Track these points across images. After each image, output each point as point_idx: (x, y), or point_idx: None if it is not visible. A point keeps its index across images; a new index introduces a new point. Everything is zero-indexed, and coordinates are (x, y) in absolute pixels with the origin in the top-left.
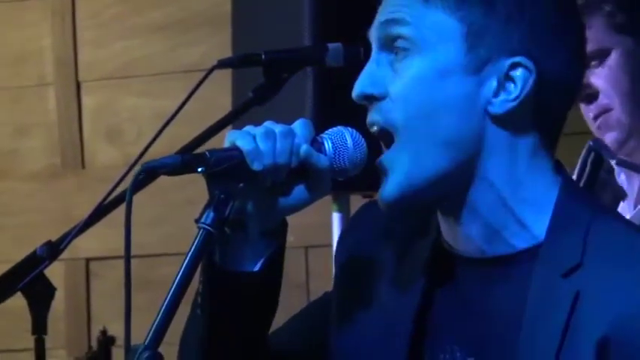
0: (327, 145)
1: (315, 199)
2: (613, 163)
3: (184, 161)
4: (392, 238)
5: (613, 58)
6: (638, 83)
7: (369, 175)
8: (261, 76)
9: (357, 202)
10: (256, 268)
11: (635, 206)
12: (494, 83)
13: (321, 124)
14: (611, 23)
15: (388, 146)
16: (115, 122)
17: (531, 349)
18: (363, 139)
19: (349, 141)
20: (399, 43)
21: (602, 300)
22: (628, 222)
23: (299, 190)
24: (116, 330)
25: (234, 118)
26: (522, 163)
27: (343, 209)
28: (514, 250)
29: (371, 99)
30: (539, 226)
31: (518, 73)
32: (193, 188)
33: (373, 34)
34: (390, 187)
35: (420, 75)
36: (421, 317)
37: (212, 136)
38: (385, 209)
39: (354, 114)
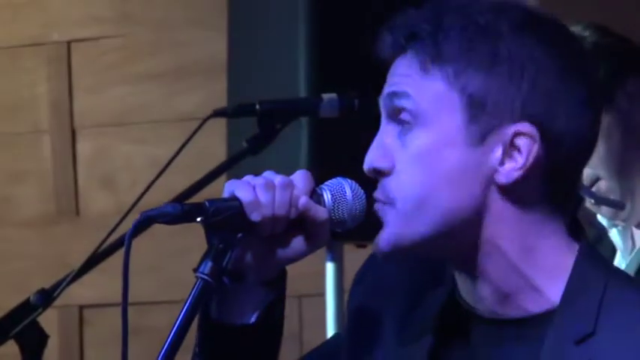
0: (326, 197)
1: (313, 250)
2: (591, 202)
3: (184, 210)
4: (404, 287)
5: None
6: (614, 148)
7: (363, 224)
8: (257, 125)
9: (350, 251)
10: (252, 320)
11: (630, 253)
12: (499, 152)
13: (315, 174)
14: None
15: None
16: (110, 170)
17: None
18: (362, 191)
19: (348, 193)
20: (403, 116)
21: None
22: None
23: (297, 241)
24: None
25: (228, 168)
26: (532, 231)
27: (337, 259)
28: (527, 313)
29: (380, 174)
30: (553, 290)
31: (522, 141)
32: (188, 236)
33: (381, 103)
34: (383, 240)
35: (422, 149)
36: None
37: (206, 185)
38: (380, 257)
39: (348, 164)
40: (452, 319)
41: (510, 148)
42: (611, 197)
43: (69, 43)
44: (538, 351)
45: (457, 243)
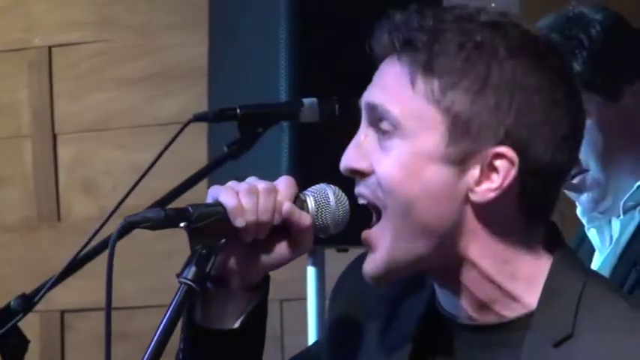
0: (310, 203)
1: (297, 255)
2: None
3: (167, 216)
4: (382, 296)
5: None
6: (611, 142)
7: (344, 229)
8: (238, 129)
9: (332, 256)
10: (236, 325)
11: (608, 246)
12: (476, 172)
13: (297, 179)
14: (580, 82)
15: (378, 217)
16: (91, 175)
17: None
18: (345, 197)
19: (332, 199)
20: (384, 125)
21: None
22: (620, 293)
23: (281, 247)
24: None
25: (209, 172)
26: (510, 246)
27: (318, 263)
28: (505, 319)
29: (357, 174)
30: (530, 296)
31: (500, 163)
32: (171, 241)
33: (362, 106)
34: (373, 265)
35: (401, 159)
36: None
37: (187, 190)
38: (369, 282)
39: (330, 168)
40: (431, 327)
41: (488, 169)
42: (595, 189)
43: (50, 48)
44: (518, 354)
45: (435, 257)
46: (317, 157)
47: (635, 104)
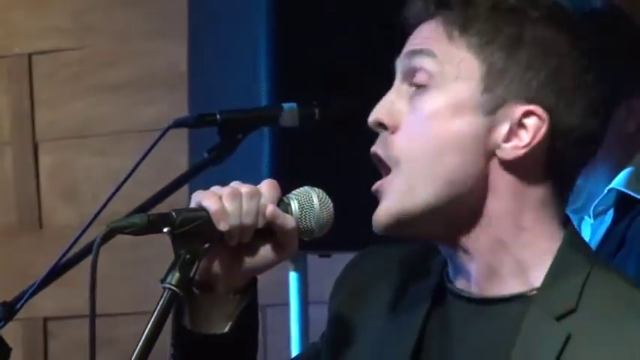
0: (294, 206)
1: (282, 259)
2: None
3: (151, 221)
4: (387, 282)
5: None
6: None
7: (326, 234)
8: (218, 135)
9: (314, 261)
10: (226, 330)
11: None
12: (505, 128)
13: (278, 183)
14: None
15: (386, 174)
16: (72, 182)
17: None
18: (329, 200)
19: (316, 201)
20: (419, 76)
21: (591, 345)
22: (627, 276)
23: (265, 250)
24: None
25: (190, 178)
26: (529, 212)
27: (300, 268)
28: (510, 292)
29: (382, 127)
30: (537, 273)
31: (530, 121)
32: (152, 247)
33: (398, 64)
34: (382, 212)
35: (433, 110)
36: (417, 353)
37: (168, 196)
38: (378, 232)
39: (310, 173)
40: (440, 306)
41: (518, 126)
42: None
43: (30, 55)
44: (518, 327)
45: (453, 215)
46: (298, 162)
47: (627, 119)
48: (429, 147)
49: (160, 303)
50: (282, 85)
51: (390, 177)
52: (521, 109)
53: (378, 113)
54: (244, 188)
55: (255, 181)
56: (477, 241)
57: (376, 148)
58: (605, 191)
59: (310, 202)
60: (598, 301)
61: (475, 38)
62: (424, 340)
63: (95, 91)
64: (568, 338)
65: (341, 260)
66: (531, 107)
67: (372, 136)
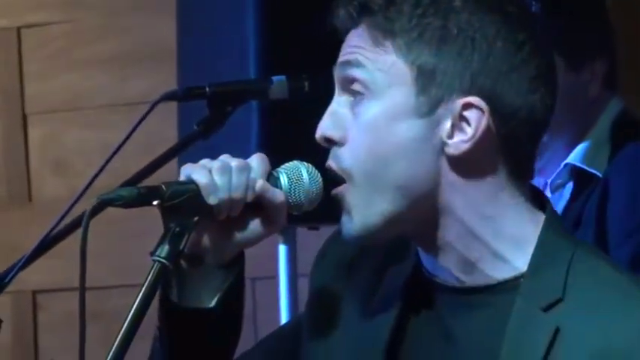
0: (283, 180)
1: (270, 232)
2: None
3: (140, 194)
4: (368, 262)
5: None
6: (557, 111)
7: (315, 207)
8: (207, 108)
9: (303, 234)
10: (212, 304)
11: None
12: (448, 124)
13: (266, 156)
14: (548, 39)
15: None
16: (62, 155)
17: None
18: (318, 174)
19: (305, 175)
20: (355, 86)
21: (580, 336)
22: (609, 260)
23: (254, 224)
24: None
25: (179, 151)
26: (488, 200)
27: (289, 241)
28: (494, 280)
29: (331, 142)
30: (519, 259)
31: (471, 113)
32: (141, 220)
33: (335, 74)
34: (349, 227)
35: (371, 120)
36: (393, 347)
37: (157, 169)
38: (350, 243)
39: (299, 146)
40: (417, 292)
41: (460, 120)
42: None
43: (19, 29)
44: (505, 318)
45: (417, 216)
46: (286, 135)
47: (590, 82)
48: (374, 158)
49: (150, 276)
50: (271, 59)
51: (346, 187)
52: (458, 102)
53: (323, 129)
54: (234, 162)
55: (244, 155)
56: (447, 236)
57: (330, 162)
58: (562, 166)
59: (299, 176)
60: (583, 289)
61: (400, 39)
62: (403, 333)
63: (84, 65)
64: (557, 331)
65: (329, 233)
66: (468, 99)
67: None
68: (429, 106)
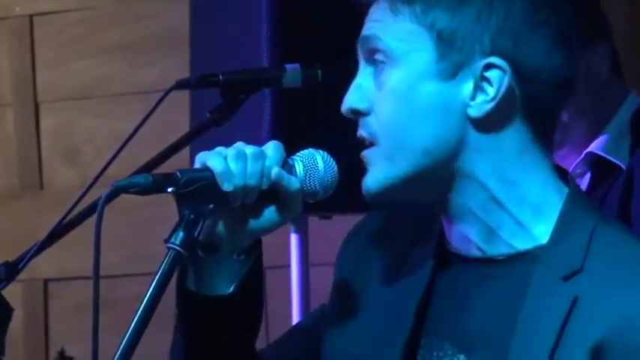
0: (298, 168)
1: (285, 221)
2: None
3: (155, 181)
4: (393, 242)
5: None
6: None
7: (328, 196)
8: (220, 96)
9: (314, 223)
10: (229, 290)
11: None
12: (470, 86)
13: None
14: None
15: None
16: (74, 143)
17: (524, 350)
18: (333, 162)
19: (320, 163)
20: (377, 56)
21: (599, 306)
22: (631, 233)
23: (269, 212)
24: (74, 351)
25: (191, 139)
26: (512, 163)
27: (301, 230)
28: (514, 250)
29: (358, 114)
30: (540, 228)
31: (492, 73)
32: (153, 209)
33: (359, 48)
34: (370, 181)
35: (395, 87)
36: (421, 312)
37: (170, 157)
38: (368, 200)
39: (311, 134)
40: (442, 267)
41: (481, 81)
42: None
43: (31, 16)
44: (525, 287)
45: (439, 180)
46: (299, 123)
47: (599, 63)
48: (399, 123)
49: (164, 263)
50: (284, 47)
51: (373, 149)
52: (480, 63)
53: (349, 102)
54: (249, 149)
55: (257, 142)
56: (469, 202)
57: (360, 131)
58: (583, 154)
59: (315, 164)
60: (604, 260)
61: (418, 6)
62: (430, 301)
63: (97, 53)
64: (575, 300)
65: (342, 222)
66: (489, 60)
67: None
68: (451, 71)
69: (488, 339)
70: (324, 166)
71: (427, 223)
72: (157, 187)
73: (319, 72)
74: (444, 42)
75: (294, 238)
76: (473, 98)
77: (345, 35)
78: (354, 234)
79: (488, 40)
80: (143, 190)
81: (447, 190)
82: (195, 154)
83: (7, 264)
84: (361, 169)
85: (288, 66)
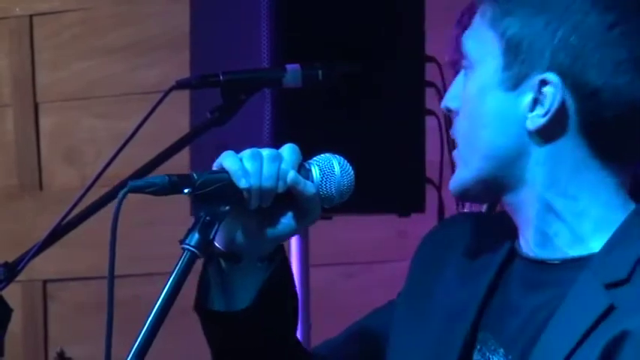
0: (315, 172)
1: (302, 227)
2: None
3: (171, 182)
4: (470, 242)
5: None
6: None
7: None
8: (220, 96)
9: (315, 223)
10: (251, 299)
11: None
12: (529, 98)
13: (279, 147)
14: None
15: None
16: (74, 144)
17: (546, 347)
18: (350, 167)
19: (337, 168)
20: (464, 62)
21: (632, 321)
22: None
23: (287, 218)
24: (73, 352)
25: (192, 140)
26: (570, 178)
27: (302, 231)
28: (566, 256)
29: (450, 112)
30: (598, 241)
31: (547, 89)
32: (152, 210)
33: None
34: (451, 181)
35: (469, 91)
36: (483, 306)
37: (170, 157)
38: (455, 197)
39: (311, 134)
40: (508, 263)
41: (540, 94)
42: None
43: (31, 17)
44: (568, 292)
45: (502, 185)
46: (299, 124)
47: None
48: (469, 126)
49: (179, 263)
50: (284, 47)
51: (456, 149)
52: (539, 77)
53: (445, 100)
54: (265, 151)
55: (257, 143)
56: (527, 207)
57: (450, 130)
58: None
59: (331, 168)
60: None
61: (499, 7)
62: (493, 295)
63: (97, 53)
64: (610, 308)
65: (342, 222)
66: (545, 76)
67: (373, 99)
68: (513, 82)
69: (523, 337)
70: (341, 171)
71: (503, 224)
72: (173, 188)
73: (319, 72)
74: (511, 51)
75: (294, 238)
76: (531, 110)
77: (345, 35)
78: (432, 236)
79: (549, 54)
80: (159, 191)
81: (509, 195)
82: (196, 155)
83: (6, 264)
84: (362, 171)
85: (288, 66)
